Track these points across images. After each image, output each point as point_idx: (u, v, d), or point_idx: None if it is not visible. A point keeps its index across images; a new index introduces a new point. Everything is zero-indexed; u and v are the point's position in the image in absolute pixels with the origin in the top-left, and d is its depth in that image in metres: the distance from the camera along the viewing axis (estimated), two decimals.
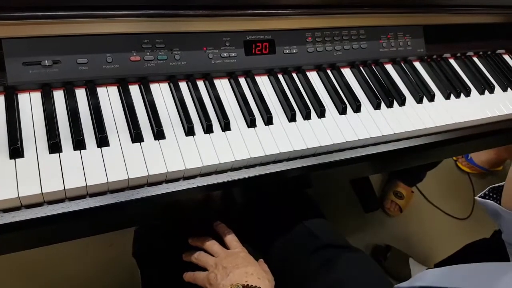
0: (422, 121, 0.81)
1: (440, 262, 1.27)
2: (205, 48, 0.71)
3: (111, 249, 1.32)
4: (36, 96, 0.62)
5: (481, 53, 1.03)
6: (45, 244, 0.60)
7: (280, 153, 0.67)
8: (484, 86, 0.94)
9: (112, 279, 1.28)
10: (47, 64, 0.61)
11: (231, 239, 0.77)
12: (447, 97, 0.88)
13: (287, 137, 0.69)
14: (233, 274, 0.68)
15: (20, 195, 0.52)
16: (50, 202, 0.55)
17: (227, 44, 0.72)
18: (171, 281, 0.82)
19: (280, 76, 0.78)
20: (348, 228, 1.63)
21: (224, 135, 0.66)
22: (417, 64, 0.93)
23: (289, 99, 0.74)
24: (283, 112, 0.73)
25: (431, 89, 0.87)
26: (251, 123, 0.69)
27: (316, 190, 0.99)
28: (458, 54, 0.99)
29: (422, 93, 0.85)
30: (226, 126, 0.67)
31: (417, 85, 0.87)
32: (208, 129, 0.66)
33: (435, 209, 1.79)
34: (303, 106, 0.74)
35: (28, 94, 0.61)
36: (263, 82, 0.76)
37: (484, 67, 1.00)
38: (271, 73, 0.77)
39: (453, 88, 0.90)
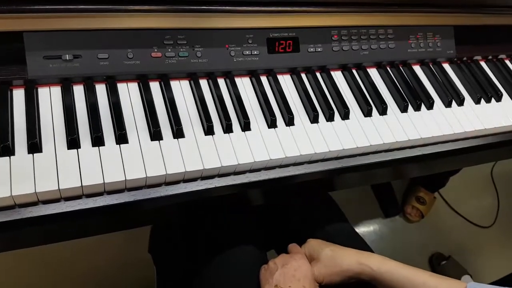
0: (451, 126, 0.78)
1: (495, 282, 1.22)
2: (227, 46, 0.69)
3: (127, 245, 1.33)
4: (56, 91, 0.61)
5: None
6: (61, 240, 0.60)
7: (301, 155, 0.65)
8: None
9: (127, 275, 1.28)
10: (67, 58, 0.60)
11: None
12: (477, 102, 0.85)
13: (308, 139, 0.67)
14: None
15: (37, 191, 0.51)
16: (67, 199, 0.54)
17: (250, 42, 0.71)
18: (186, 278, 0.81)
19: (303, 76, 0.76)
20: (367, 232, 1.60)
21: (244, 135, 0.64)
22: (446, 66, 0.89)
23: (312, 100, 0.72)
24: (305, 113, 0.71)
25: (460, 92, 0.84)
26: (271, 124, 0.67)
27: (334, 191, 0.97)
28: (490, 57, 0.95)
29: (451, 96, 0.82)
30: (246, 126, 0.65)
31: (446, 88, 0.84)
32: (227, 129, 0.64)
33: (458, 215, 1.73)
34: (326, 107, 0.71)
35: (48, 88, 0.61)
36: (286, 81, 0.74)
37: None
38: (294, 72, 0.75)
39: (484, 92, 0.86)
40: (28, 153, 0.54)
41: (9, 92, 0.58)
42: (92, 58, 0.62)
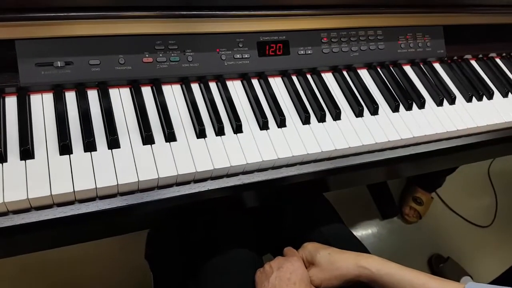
0: (443, 125, 0.78)
1: (493, 281, 1.22)
2: (218, 50, 0.70)
3: (124, 251, 1.32)
4: (48, 97, 0.61)
5: (504, 54, 0.99)
6: (54, 247, 0.60)
7: (293, 156, 0.65)
8: (508, 89, 0.90)
9: (124, 282, 1.28)
10: (59, 65, 0.61)
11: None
12: (469, 100, 0.85)
13: (300, 140, 0.67)
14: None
15: (29, 197, 0.51)
16: (60, 204, 0.54)
17: (240, 45, 0.71)
18: (182, 284, 0.80)
19: (294, 78, 0.76)
20: (365, 234, 1.60)
21: (236, 137, 0.65)
22: (437, 66, 0.90)
23: (303, 101, 0.72)
24: (297, 114, 0.71)
25: (451, 91, 0.84)
26: (263, 126, 0.67)
27: (331, 194, 0.97)
28: (480, 56, 0.96)
29: (442, 95, 0.82)
30: (238, 129, 0.65)
31: (437, 87, 0.84)
32: (219, 132, 0.64)
33: (456, 215, 1.73)
34: (317, 108, 0.72)
35: (40, 95, 0.61)
36: (277, 83, 0.75)
37: (508, 68, 0.96)
38: (285, 75, 0.75)
39: (475, 90, 0.87)
40: (21, 159, 0.54)
41: (1, 100, 0.59)
42: (83, 65, 0.62)
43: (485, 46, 0.96)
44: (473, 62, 0.95)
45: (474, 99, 0.86)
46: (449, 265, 1.54)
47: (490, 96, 0.88)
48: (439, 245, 1.63)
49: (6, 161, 0.54)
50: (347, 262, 0.68)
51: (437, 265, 1.54)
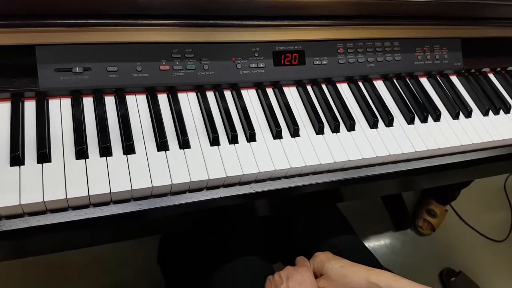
0: (458, 138, 0.77)
1: None
2: (233, 58, 0.71)
3: (136, 255, 1.33)
4: (66, 102, 0.63)
5: None
6: (68, 249, 0.61)
7: (306, 166, 0.65)
8: None
9: (136, 285, 1.28)
10: (78, 71, 0.62)
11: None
12: (485, 114, 0.84)
13: (314, 150, 0.67)
14: None
15: (45, 200, 0.52)
16: (75, 208, 0.55)
17: (256, 55, 0.72)
18: None
19: (309, 88, 0.76)
20: (377, 245, 1.58)
21: (249, 146, 0.65)
22: (453, 78, 0.89)
23: (317, 111, 0.72)
24: (311, 124, 0.71)
25: (468, 104, 0.83)
26: (277, 135, 0.67)
27: (344, 204, 0.96)
28: (498, 69, 0.95)
29: (458, 108, 0.82)
30: (251, 137, 0.66)
31: (454, 100, 0.83)
32: (233, 140, 0.65)
33: (470, 229, 1.70)
34: (331, 119, 0.72)
35: (59, 100, 0.63)
36: (291, 93, 0.75)
37: None
38: (300, 84, 0.76)
39: (492, 104, 0.86)
40: (38, 162, 0.55)
41: (20, 104, 0.60)
42: (101, 71, 0.63)
43: (503, 59, 0.95)
44: (491, 75, 0.94)
45: (490, 112, 0.85)
46: (460, 279, 1.51)
47: (507, 110, 0.86)
48: (452, 258, 1.60)
49: (23, 163, 0.55)
50: (358, 277, 0.67)
51: (448, 279, 1.52)
